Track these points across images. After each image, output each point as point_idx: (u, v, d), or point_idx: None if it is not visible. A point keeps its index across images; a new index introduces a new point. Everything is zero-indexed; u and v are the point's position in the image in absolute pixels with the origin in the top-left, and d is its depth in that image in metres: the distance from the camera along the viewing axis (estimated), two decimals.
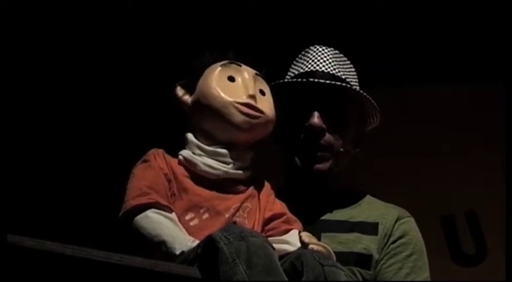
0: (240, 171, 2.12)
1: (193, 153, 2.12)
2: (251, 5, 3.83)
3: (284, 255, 1.93)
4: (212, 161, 2.10)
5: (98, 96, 3.91)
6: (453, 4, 3.78)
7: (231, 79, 2.14)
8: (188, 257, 1.90)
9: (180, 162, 2.12)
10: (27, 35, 3.77)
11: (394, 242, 2.33)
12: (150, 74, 3.85)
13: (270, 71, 2.26)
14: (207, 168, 2.09)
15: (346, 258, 2.21)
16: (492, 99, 3.87)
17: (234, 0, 3.83)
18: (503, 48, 3.74)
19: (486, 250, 3.83)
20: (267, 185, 2.20)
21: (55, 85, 3.88)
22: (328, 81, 2.33)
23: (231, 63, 2.17)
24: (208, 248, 1.83)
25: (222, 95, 2.11)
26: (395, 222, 2.36)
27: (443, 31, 3.86)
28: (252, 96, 2.11)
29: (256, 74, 2.17)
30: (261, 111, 2.11)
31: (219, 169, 2.10)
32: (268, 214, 2.14)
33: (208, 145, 2.12)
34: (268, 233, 2.10)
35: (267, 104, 2.15)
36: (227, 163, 2.10)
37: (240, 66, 2.17)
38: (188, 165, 2.11)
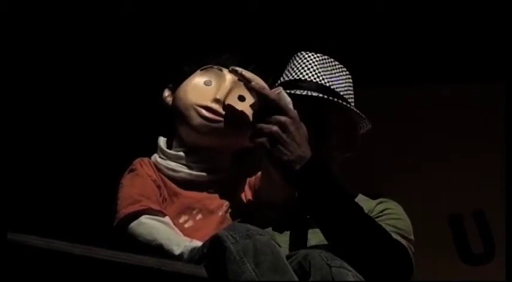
0: (204, 173, 2.10)
1: (160, 157, 2.14)
2: (251, 8, 3.83)
3: (291, 255, 1.93)
4: (174, 164, 2.11)
5: (100, 96, 3.92)
6: (453, 4, 3.79)
7: (208, 83, 2.13)
8: (194, 257, 1.90)
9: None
10: (25, 36, 3.77)
11: (376, 215, 2.24)
12: (148, 77, 3.84)
13: (270, 72, 2.25)
14: (169, 172, 2.11)
15: None
16: (492, 99, 3.87)
17: (234, 2, 3.83)
18: (503, 48, 3.75)
19: (494, 249, 3.83)
20: (250, 180, 2.17)
21: (55, 84, 3.88)
22: (307, 92, 2.29)
23: (213, 67, 2.15)
24: (215, 247, 1.83)
25: (187, 96, 2.11)
26: (379, 203, 2.31)
27: (443, 31, 3.87)
28: (217, 100, 2.09)
29: (239, 79, 2.12)
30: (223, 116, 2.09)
31: (180, 171, 2.10)
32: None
33: (178, 147, 2.13)
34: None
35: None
36: (189, 166, 2.10)
37: (221, 70, 2.14)
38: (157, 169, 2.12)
